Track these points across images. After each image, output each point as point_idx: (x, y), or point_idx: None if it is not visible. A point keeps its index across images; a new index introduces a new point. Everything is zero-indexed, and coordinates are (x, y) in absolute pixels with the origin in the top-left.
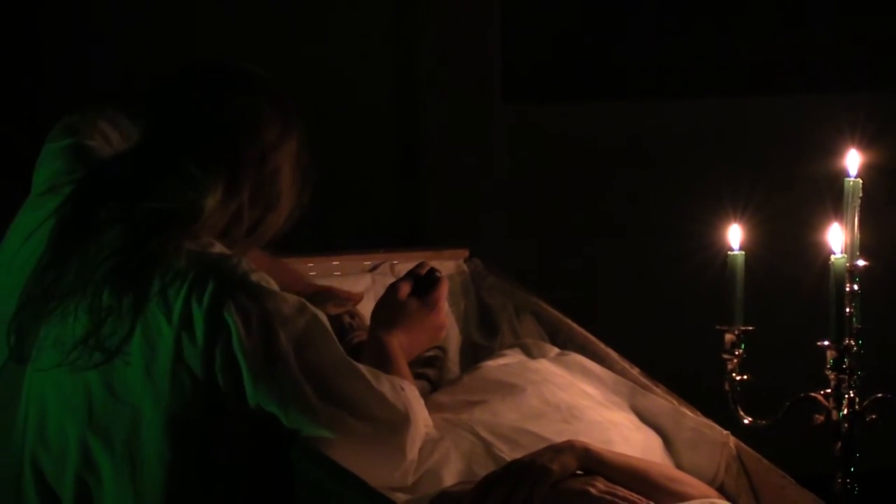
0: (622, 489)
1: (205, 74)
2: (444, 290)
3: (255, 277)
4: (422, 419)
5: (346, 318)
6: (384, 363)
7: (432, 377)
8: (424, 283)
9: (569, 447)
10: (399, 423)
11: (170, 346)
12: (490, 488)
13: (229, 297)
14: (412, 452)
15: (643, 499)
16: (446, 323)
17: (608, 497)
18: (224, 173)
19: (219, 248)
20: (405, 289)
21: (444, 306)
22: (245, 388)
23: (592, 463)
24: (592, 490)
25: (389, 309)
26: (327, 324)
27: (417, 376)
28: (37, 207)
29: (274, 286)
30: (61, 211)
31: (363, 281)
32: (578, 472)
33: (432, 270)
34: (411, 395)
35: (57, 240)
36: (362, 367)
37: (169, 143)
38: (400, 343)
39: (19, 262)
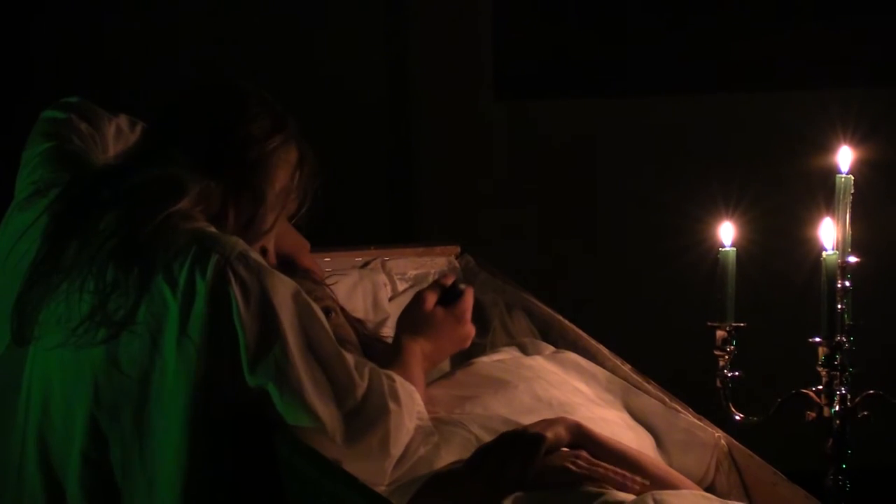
0: (605, 464)
1: (197, 86)
2: (469, 300)
3: (253, 255)
4: (412, 411)
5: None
6: (397, 365)
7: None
8: (450, 294)
9: (561, 420)
10: (382, 409)
11: (175, 319)
12: (484, 459)
13: (230, 270)
14: (396, 444)
15: (626, 473)
16: (472, 333)
17: (586, 472)
18: (205, 153)
19: (214, 229)
20: (431, 298)
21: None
22: (241, 362)
23: (583, 439)
24: (572, 467)
25: (415, 317)
26: (319, 311)
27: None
28: (23, 209)
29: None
30: (54, 207)
31: (350, 277)
32: (566, 449)
33: (457, 282)
34: (400, 388)
35: (53, 232)
36: (348, 355)
37: (158, 136)
38: (423, 350)
39: (13, 262)
